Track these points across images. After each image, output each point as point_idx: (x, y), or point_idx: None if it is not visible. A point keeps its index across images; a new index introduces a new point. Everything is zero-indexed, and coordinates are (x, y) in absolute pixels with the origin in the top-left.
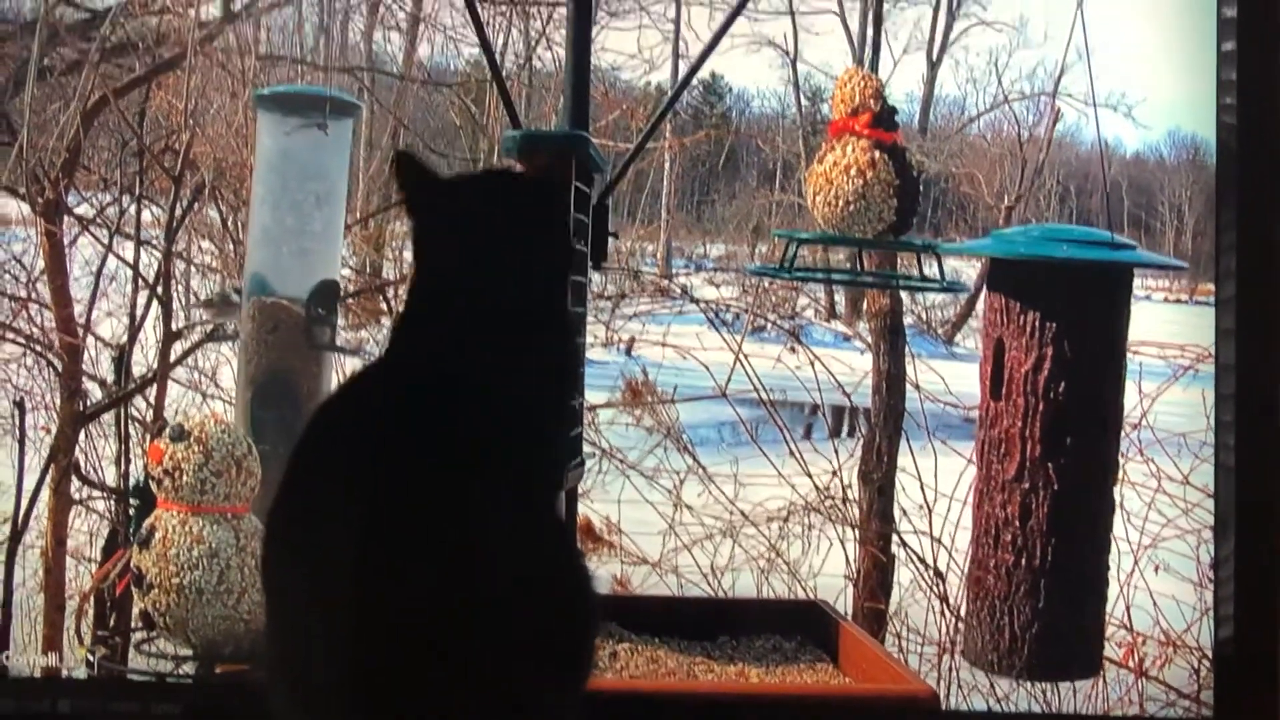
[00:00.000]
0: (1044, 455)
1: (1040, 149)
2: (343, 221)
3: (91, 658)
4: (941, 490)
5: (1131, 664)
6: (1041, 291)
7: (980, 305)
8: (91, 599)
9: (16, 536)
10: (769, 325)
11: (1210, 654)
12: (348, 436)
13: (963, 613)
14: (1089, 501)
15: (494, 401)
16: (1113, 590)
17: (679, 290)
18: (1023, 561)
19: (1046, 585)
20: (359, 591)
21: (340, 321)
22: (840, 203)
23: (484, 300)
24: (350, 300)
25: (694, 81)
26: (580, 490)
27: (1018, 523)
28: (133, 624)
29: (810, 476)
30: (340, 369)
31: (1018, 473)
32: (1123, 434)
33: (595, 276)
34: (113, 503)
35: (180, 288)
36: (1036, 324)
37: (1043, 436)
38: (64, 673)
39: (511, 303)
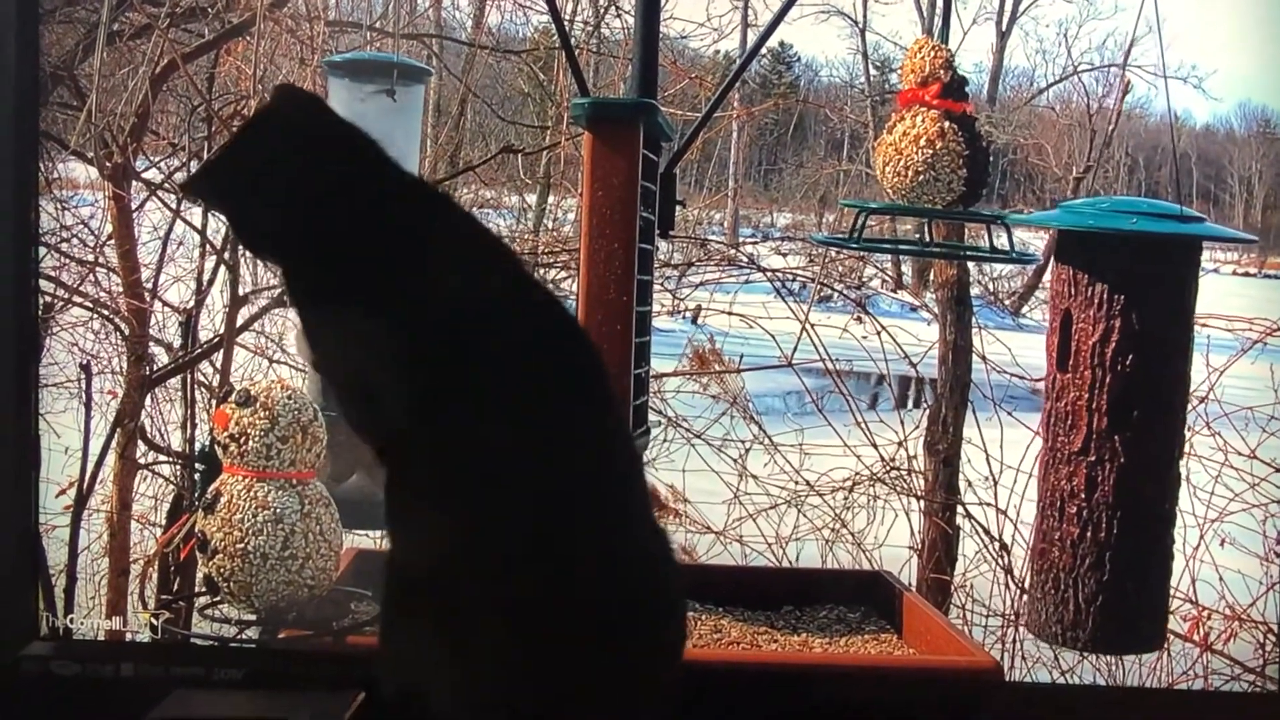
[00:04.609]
0: (1110, 428)
1: (1109, 121)
2: None
3: (155, 622)
4: (1007, 462)
5: (1196, 638)
6: (1110, 263)
7: (1047, 277)
8: (156, 563)
9: (82, 500)
10: (835, 295)
11: (1276, 628)
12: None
13: (1027, 585)
14: (1155, 475)
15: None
16: (1178, 564)
17: (746, 259)
18: (1088, 534)
19: (1111, 558)
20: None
21: None
22: (909, 173)
23: None
24: None
25: (762, 51)
26: (646, 458)
27: (1083, 495)
28: (196, 589)
29: (875, 447)
30: None
31: (1083, 445)
32: (1190, 407)
33: (662, 245)
34: (178, 468)
35: (248, 253)
36: (1104, 296)
37: (1109, 409)
38: (127, 636)
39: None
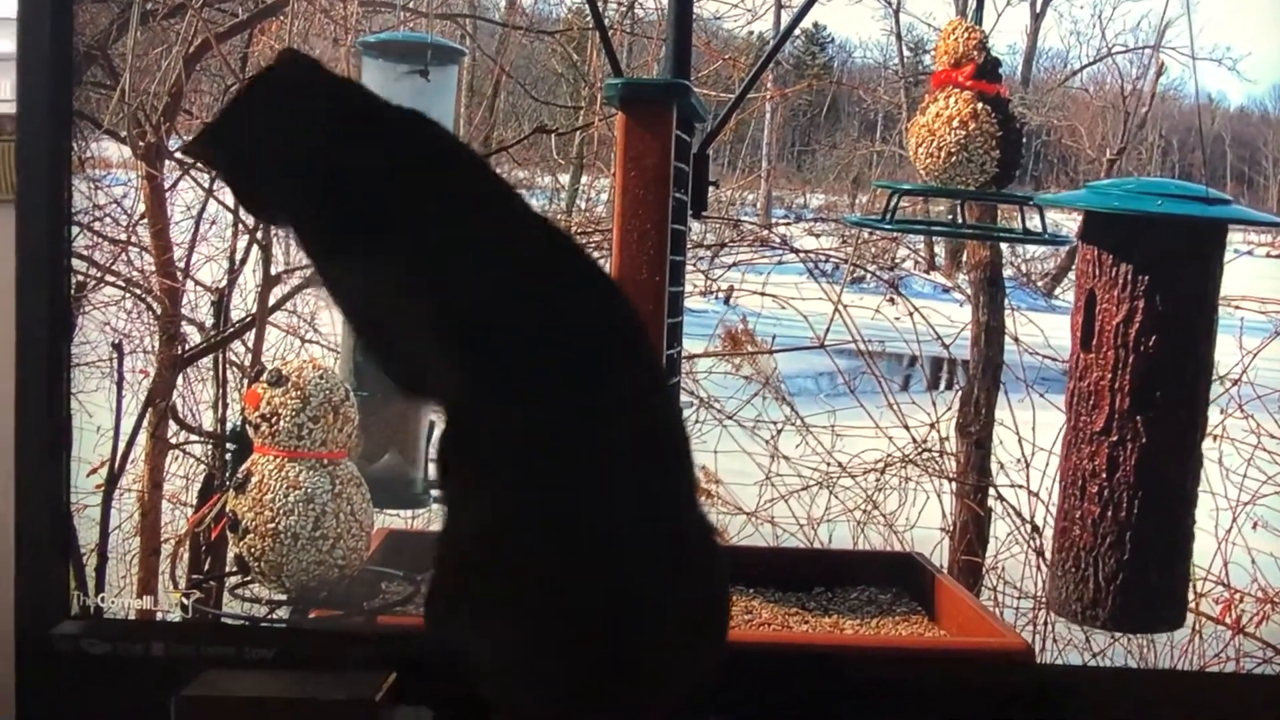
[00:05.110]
0: (1132, 408)
1: (1143, 103)
2: None
3: (186, 601)
4: (1039, 444)
5: (1229, 620)
6: (1134, 244)
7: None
8: (187, 543)
9: (113, 480)
10: (868, 276)
11: None
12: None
13: (1048, 564)
14: (1176, 455)
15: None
16: (1210, 546)
17: (778, 240)
18: (1108, 514)
19: (1132, 538)
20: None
21: None
22: (942, 154)
23: None
24: None
25: (796, 32)
26: None
27: (1104, 475)
28: (227, 568)
29: (908, 429)
30: None
31: (1106, 425)
32: (1223, 390)
33: (695, 225)
34: (209, 447)
35: (280, 233)
36: (1128, 277)
37: (1132, 389)
38: (158, 616)
39: None
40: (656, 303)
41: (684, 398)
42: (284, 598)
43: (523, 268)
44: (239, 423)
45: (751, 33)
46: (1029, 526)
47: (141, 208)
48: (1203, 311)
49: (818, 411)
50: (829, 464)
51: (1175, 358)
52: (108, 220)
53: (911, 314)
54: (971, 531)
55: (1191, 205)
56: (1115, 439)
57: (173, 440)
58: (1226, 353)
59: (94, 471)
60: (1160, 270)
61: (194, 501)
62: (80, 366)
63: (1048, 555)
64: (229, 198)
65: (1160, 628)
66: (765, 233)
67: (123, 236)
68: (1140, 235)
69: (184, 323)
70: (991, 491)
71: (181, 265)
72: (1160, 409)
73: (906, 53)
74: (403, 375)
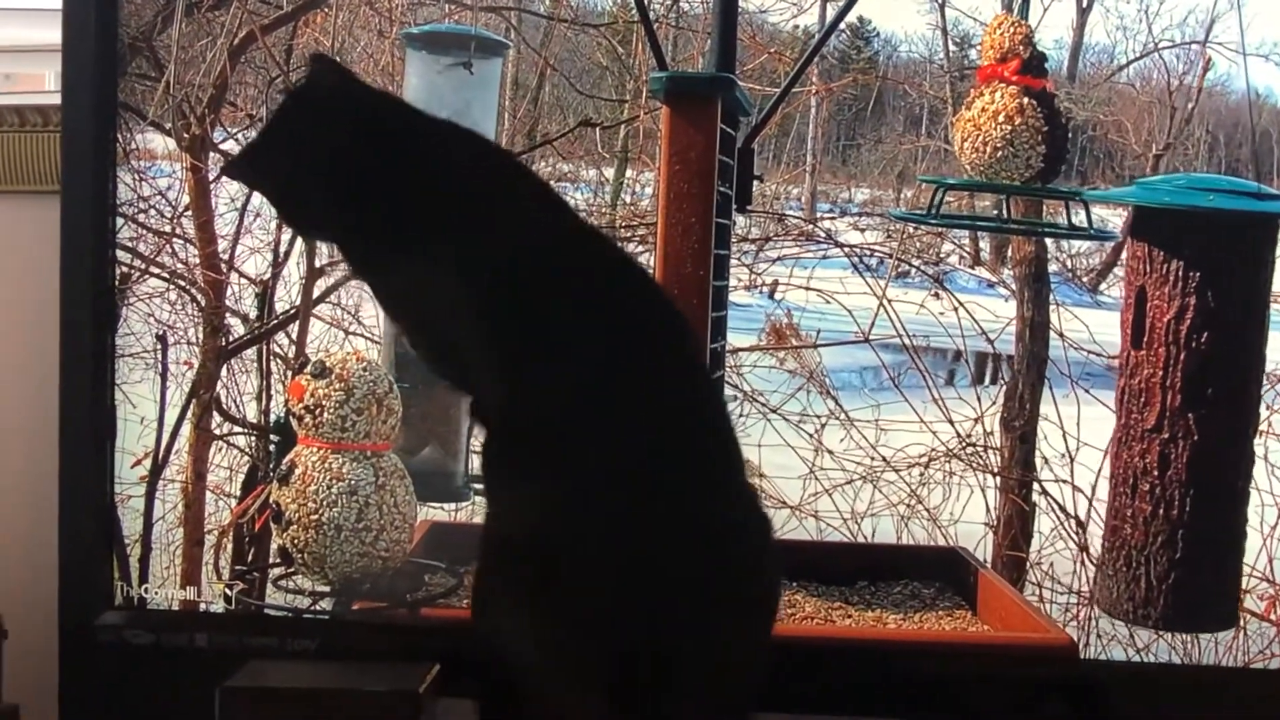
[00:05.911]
0: (1184, 405)
1: (1190, 98)
2: None
3: (229, 592)
4: (1084, 439)
5: (1274, 617)
6: (1185, 241)
7: (1125, 254)
8: (230, 534)
9: (157, 471)
10: (913, 271)
11: None
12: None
13: (1098, 562)
14: (1228, 453)
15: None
16: (1256, 543)
17: (823, 234)
18: (1160, 512)
19: (1184, 536)
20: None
21: None
22: (988, 149)
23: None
24: None
25: (841, 26)
26: None
27: (1156, 473)
28: (271, 560)
29: (952, 423)
30: None
31: (1157, 422)
32: (1269, 387)
33: (740, 219)
34: (253, 439)
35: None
36: (1179, 273)
37: (1183, 386)
38: (202, 607)
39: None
40: (700, 297)
41: (728, 391)
42: (327, 589)
43: (564, 268)
44: (283, 414)
45: (797, 27)
46: (1074, 522)
47: (186, 199)
48: (1255, 308)
49: (862, 406)
50: (873, 458)
51: (1227, 354)
52: (152, 212)
53: (956, 309)
54: (1015, 526)
55: (1243, 200)
56: (1167, 436)
57: (216, 431)
58: (1278, 349)
59: (138, 463)
60: (1211, 266)
61: (238, 493)
62: (124, 358)
63: (1092, 551)
64: None
65: (1213, 627)
66: (810, 227)
67: (167, 228)
68: (1191, 231)
69: (228, 314)
70: (1036, 486)
71: (226, 257)
72: (1212, 406)
73: (952, 47)
74: (454, 377)
